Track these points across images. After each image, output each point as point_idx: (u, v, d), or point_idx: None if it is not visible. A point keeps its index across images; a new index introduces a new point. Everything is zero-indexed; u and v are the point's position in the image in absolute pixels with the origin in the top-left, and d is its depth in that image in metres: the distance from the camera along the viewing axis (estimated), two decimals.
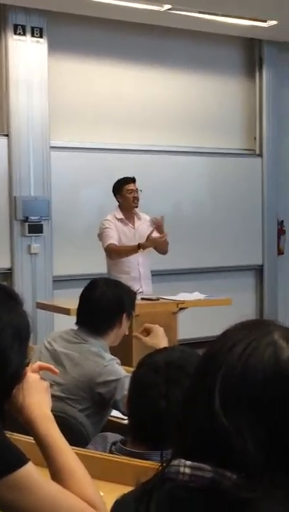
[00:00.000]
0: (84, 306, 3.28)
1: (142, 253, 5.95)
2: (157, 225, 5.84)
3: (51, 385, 1.77)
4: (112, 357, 3.10)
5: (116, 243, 5.89)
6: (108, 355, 3.10)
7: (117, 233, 5.94)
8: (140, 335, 3.08)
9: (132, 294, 3.38)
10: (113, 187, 6.08)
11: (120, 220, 6.01)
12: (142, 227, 5.95)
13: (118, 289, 3.30)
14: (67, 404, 2.92)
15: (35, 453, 1.56)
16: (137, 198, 6.01)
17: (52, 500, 1.43)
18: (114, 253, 5.89)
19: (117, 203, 6.07)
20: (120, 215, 6.02)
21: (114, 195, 6.07)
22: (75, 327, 3.27)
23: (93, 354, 3.06)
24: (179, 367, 1.90)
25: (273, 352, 1.07)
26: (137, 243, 5.81)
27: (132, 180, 6.04)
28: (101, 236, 5.96)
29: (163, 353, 2.01)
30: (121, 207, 6.05)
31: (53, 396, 1.73)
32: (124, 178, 6.07)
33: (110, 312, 3.20)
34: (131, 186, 6.00)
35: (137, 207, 6.05)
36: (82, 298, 3.32)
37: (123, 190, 6.01)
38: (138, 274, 5.98)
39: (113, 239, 5.88)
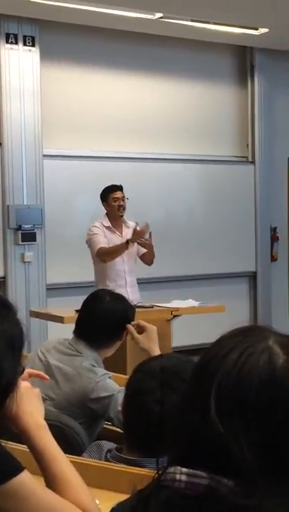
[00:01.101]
0: (86, 317, 3.23)
1: (128, 261, 5.95)
2: (141, 233, 5.79)
3: (43, 400, 1.76)
4: (104, 371, 3.07)
5: (106, 246, 5.88)
6: (100, 370, 3.06)
7: (106, 239, 5.93)
8: (133, 329, 3.07)
9: (132, 309, 3.35)
10: (100, 194, 6.08)
11: (108, 228, 6.00)
12: (130, 235, 5.92)
13: (123, 303, 3.27)
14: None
15: (31, 462, 1.56)
16: (122, 207, 5.98)
17: (48, 508, 1.42)
18: (106, 255, 5.88)
19: (105, 211, 6.07)
20: (108, 223, 6.01)
21: (102, 202, 6.07)
22: (70, 336, 3.25)
23: (86, 369, 3.02)
24: (174, 373, 1.90)
25: (268, 358, 1.07)
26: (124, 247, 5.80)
27: (119, 188, 6.02)
28: (90, 242, 5.95)
29: (159, 360, 2.02)
30: (108, 215, 6.04)
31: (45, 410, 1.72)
32: (111, 185, 6.05)
33: (114, 327, 3.16)
34: (117, 194, 5.97)
35: (122, 215, 6.03)
36: (85, 309, 3.27)
37: (109, 198, 5.99)
38: (124, 282, 5.96)
39: (102, 243, 5.87)
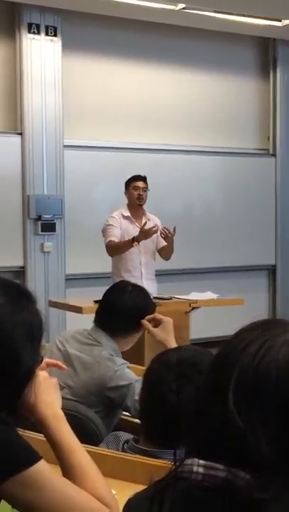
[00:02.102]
0: (106, 307, 3.26)
1: (145, 254, 5.94)
2: (148, 233, 5.77)
3: (62, 388, 1.77)
4: (123, 361, 3.08)
5: (116, 240, 5.87)
6: (119, 360, 3.08)
7: (120, 231, 5.92)
8: (148, 324, 3.08)
9: (153, 305, 3.37)
10: (124, 183, 6.10)
11: (126, 217, 5.99)
12: (149, 227, 5.88)
13: (144, 297, 3.29)
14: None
15: (48, 451, 1.56)
16: (141, 196, 5.98)
17: (65, 497, 1.43)
18: (112, 249, 5.89)
19: (127, 201, 6.08)
20: (127, 213, 6.01)
21: (124, 191, 6.08)
22: (88, 327, 3.26)
23: (104, 358, 3.04)
24: (191, 364, 1.91)
25: (287, 351, 1.06)
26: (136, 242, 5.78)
27: (142, 178, 6.02)
28: (104, 233, 5.97)
29: (176, 351, 2.03)
30: (128, 204, 6.05)
31: (63, 398, 1.73)
32: (135, 175, 6.07)
33: (134, 316, 3.16)
34: (138, 184, 5.98)
35: (141, 205, 6.01)
36: (106, 299, 3.30)
37: (130, 186, 6.01)
38: (140, 273, 5.95)
39: (114, 236, 5.87)
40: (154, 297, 5.74)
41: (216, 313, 6.94)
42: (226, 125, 8.45)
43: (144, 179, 6.02)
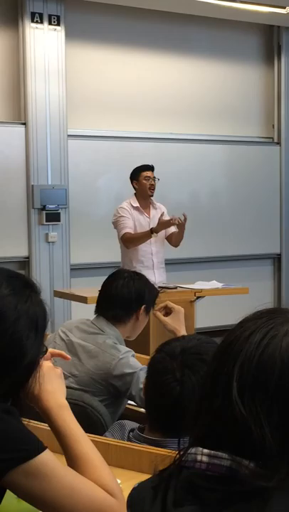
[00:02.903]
0: (104, 294, 3.28)
1: (156, 243, 5.94)
2: (166, 224, 5.80)
3: (66, 377, 1.77)
4: (128, 349, 3.09)
5: (131, 232, 5.87)
6: (123, 348, 3.08)
7: (132, 221, 5.93)
8: (160, 313, 3.07)
9: (154, 291, 3.37)
10: (131, 173, 6.06)
11: (136, 208, 5.98)
12: (158, 216, 5.89)
13: (142, 282, 3.30)
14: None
15: (53, 441, 1.57)
16: (153, 186, 5.98)
17: (70, 487, 1.43)
18: (129, 242, 5.88)
19: (134, 191, 6.06)
20: (136, 203, 5.99)
21: (131, 181, 6.04)
22: (92, 317, 3.27)
23: (109, 346, 3.05)
24: (194, 353, 1.92)
25: None
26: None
27: (151, 168, 6.02)
28: (116, 224, 5.95)
29: (180, 341, 2.03)
30: (137, 195, 6.03)
31: (69, 387, 1.73)
32: (143, 165, 6.05)
33: (129, 301, 3.19)
34: (148, 173, 5.97)
35: (152, 195, 6.02)
36: (104, 286, 3.33)
37: (140, 176, 5.98)
38: (151, 263, 5.96)
39: (128, 228, 5.86)
40: (159, 286, 5.77)
41: (221, 302, 6.94)
42: (230, 113, 8.42)
43: (152, 169, 6.02)
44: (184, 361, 1.90)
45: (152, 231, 5.76)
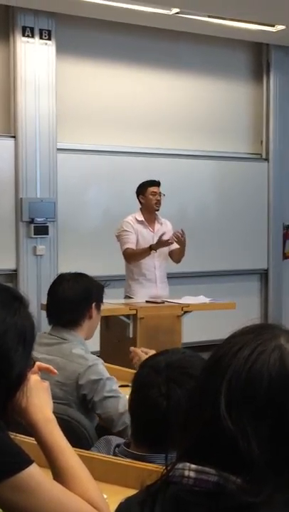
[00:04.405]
0: (52, 301, 3.27)
1: (159, 257, 6.00)
2: (165, 243, 5.84)
3: None
4: (95, 357, 3.08)
5: (133, 247, 5.93)
6: (91, 356, 3.08)
7: (136, 236, 5.97)
8: (138, 350, 3.01)
9: (99, 286, 3.36)
10: (137, 188, 6.13)
11: (140, 222, 6.06)
12: (162, 231, 5.96)
13: (85, 280, 3.29)
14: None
15: (39, 455, 1.56)
16: (159, 202, 6.06)
17: (56, 502, 1.42)
18: (130, 257, 5.98)
19: (139, 205, 6.10)
20: (141, 217, 6.07)
21: (138, 196, 6.11)
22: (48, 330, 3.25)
23: (76, 356, 3.03)
24: (179, 367, 1.91)
25: (279, 356, 1.07)
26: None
27: (157, 183, 6.11)
28: (118, 238, 6.02)
29: (164, 355, 2.02)
30: (143, 209, 6.09)
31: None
32: (150, 179, 6.11)
33: (78, 302, 3.18)
34: (155, 189, 6.07)
35: (158, 210, 6.10)
36: (50, 293, 3.32)
37: (147, 191, 6.06)
38: (154, 277, 6.04)
39: (130, 243, 5.94)
40: (147, 300, 5.80)
41: (208, 317, 6.94)
42: (219, 129, 8.46)
43: (159, 184, 6.10)
44: (169, 375, 1.89)
45: (151, 248, 5.81)
